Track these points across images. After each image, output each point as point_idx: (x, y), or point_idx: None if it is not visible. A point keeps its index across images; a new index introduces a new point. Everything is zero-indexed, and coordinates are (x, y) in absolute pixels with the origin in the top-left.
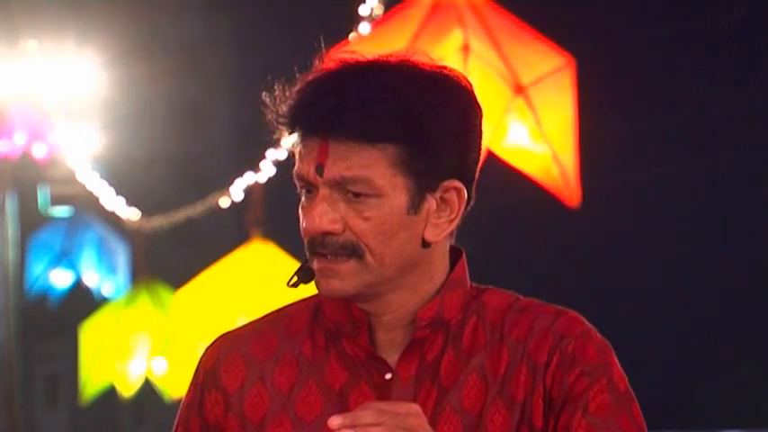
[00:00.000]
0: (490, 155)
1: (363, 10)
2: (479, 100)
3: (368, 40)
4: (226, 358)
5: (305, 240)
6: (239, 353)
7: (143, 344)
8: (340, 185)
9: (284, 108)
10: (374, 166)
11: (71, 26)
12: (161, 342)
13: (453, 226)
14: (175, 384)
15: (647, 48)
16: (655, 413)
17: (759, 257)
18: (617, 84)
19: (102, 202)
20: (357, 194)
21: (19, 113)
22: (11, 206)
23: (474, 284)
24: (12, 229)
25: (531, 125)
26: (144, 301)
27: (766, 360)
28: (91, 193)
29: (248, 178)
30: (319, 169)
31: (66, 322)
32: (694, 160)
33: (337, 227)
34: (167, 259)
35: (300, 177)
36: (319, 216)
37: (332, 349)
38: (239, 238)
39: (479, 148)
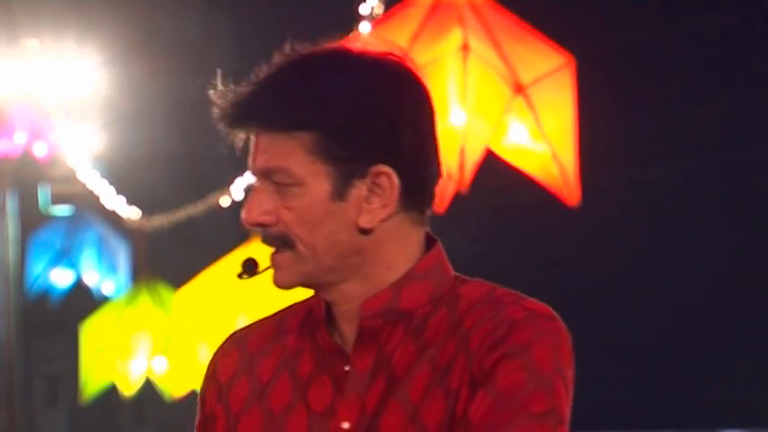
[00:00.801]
0: (490, 154)
1: (364, 9)
2: (475, 103)
3: (368, 40)
4: (226, 351)
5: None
6: (237, 346)
7: (143, 343)
8: (266, 175)
9: (228, 107)
10: (291, 154)
11: (72, 25)
12: (161, 341)
13: (388, 212)
14: (176, 384)
15: (648, 47)
16: (655, 412)
17: (761, 256)
18: (617, 83)
19: (103, 201)
20: (280, 185)
21: (19, 112)
22: (11, 205)
23: (459, 276)
24: (12, 228)
25: (531, 124)
26: (144, 300)
27: (767, 359)
28: (91, 192)
29: (249, 177)
30: (254, 161)
31: (66, 321)
32: (695, 159)
33: (268, 218)
34: (168, 258)
35: (250, 170)
36: (251, 208)
37: (308, 342)
38: (239, 238)
39: (420, 132)
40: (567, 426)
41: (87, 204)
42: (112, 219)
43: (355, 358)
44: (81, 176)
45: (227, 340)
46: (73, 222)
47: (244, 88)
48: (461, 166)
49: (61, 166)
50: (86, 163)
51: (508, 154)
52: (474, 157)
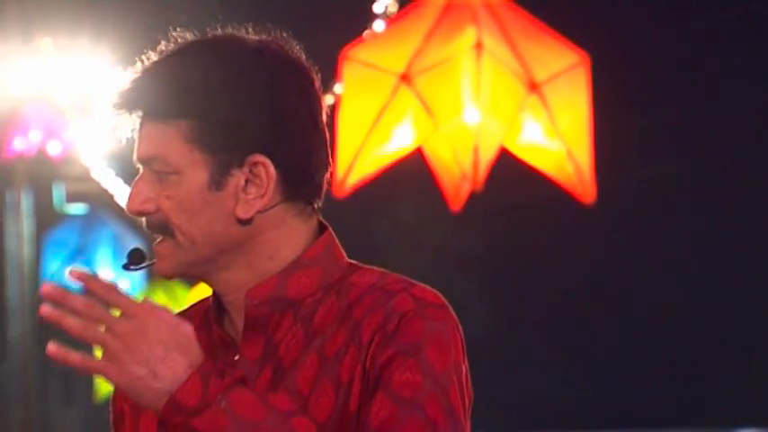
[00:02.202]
0: (505, 152)
1: (378, 7)
2: (489, 101)
3: (382, 38)
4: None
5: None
6: None
7: None
8: (147, 164)
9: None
10: (169, 142)
11: (86, 24)
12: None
13: (264, 202)
14: None
15: (663, 44)
16: (669, 410)
17: None
18: (632, 81)
19: (118, 199)
20: (160, 173)
21: (34, 111)
22: (26, 204)
23: (353, 263)
24: (27, 227)
25: (546, 123)
26: (159, 298)
27: None
28: (106, 191)
29: None
30: (137, 150)
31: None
32: (710, 157)
33: (148, 206)
34: None
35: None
36: (133, 196)
37: (204, 335)
38: None
39: (301, 121)
40: (465, 422)
41: (102, 203)
42: (127, 217)
43: (244, 347)
44: (95, 175)
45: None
46: (87, 221)
47: (131, 76)
48: (475, 164)
49: (75, 164)
50: (101, 161)
51: (523, 152)
52: (488, 155)
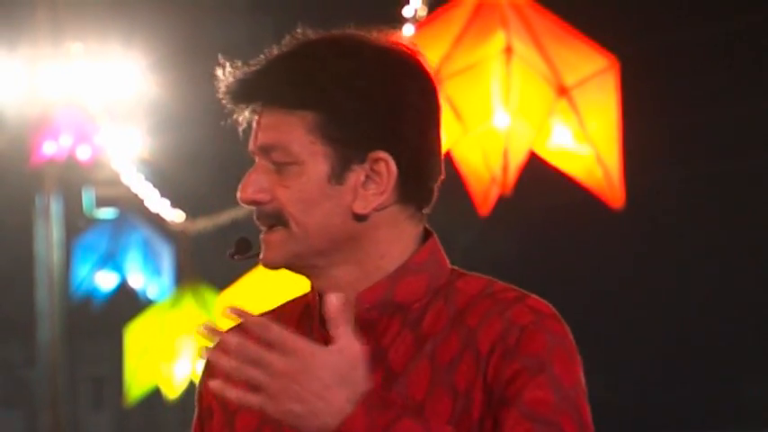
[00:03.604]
0: (534, 157)
1: (407, 12)
2: (519, 105)
3: (411, 42)
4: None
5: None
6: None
7: (188, 346)
8: (266, 153)
9: (233, 84)
10: (292, 132)
11: (116, 28)
12: (206, 344)
13: (382, 199)
14: None
15: (692, 48)
16: (697, 412)
17: None
18: (661, 85)
19: (147, 204)
20: (279, 162)
21: (64, 116)
22: (56, 208)
23: (456, 269)
24: (57, 232)
25: (575, 127)
26: (189, 302)
27: None
28: (136, 195)
29: None
30: (254, 139)
31: (110, 324)
32: (741, 161)
33: (263, 196)
34: (212, 261)
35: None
36: (248, 185)
37: (303, 335)
38: None
39: (422, 124)
40: None
41: (131, 207)
42: (156, 222)
43: None
44: (125, 179)
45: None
46: (117, 225)
47: (251, 67)
48: (505, 168)
49: (106, 169)
50: (131, 166)
51: (552, 156)
52: (517, 159)
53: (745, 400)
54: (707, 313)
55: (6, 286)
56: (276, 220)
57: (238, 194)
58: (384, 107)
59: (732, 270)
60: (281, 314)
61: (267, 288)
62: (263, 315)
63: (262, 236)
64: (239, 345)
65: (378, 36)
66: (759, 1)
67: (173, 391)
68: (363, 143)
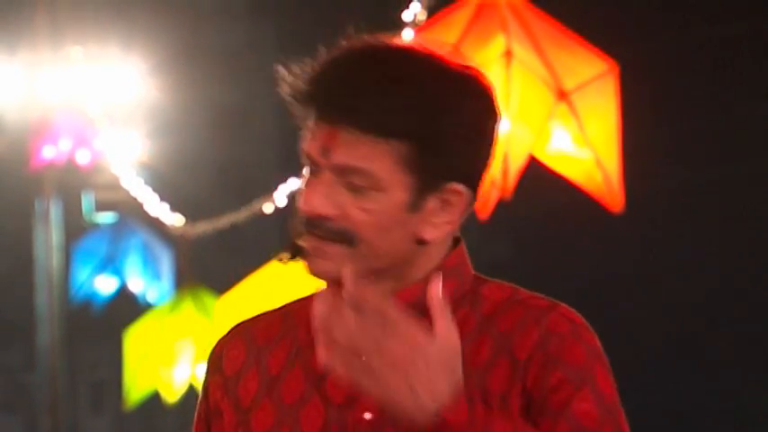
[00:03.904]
0: (533, 161)
1: (407, 16)
2: (518, 110)
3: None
4: (230, 344)
5: (301, 218)
6: (242, 338)
7: (187, 350)
8: (343, 172)
9: (301, 84)
10: (380, 159)
11: (116, 32)
12: (205, 348)
13: (451, 228)
14: None
15: (691, 52)
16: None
17: None
18: (660, 89)
19: (147, 208)
20: (357, 185)
21: (64, 120)
22: (55, 213)
23: (478, 276)
24: (56, 236)
25: (575, 131)
26: (188, 307)
27: None
28: (135, 200)
29: (292, 184)
30: (325, 153)
31: (110, 328)
32: (741, 164)
33: (333, 212)
34: (211, 265)
35: (308, 154)
36: (318, 198)
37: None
38: (283, 244)
39: (490, 154)
40: None
41: (131, 211)
42: (156, 226)
43: None
44: (125, 184)
45: (229, 333)
46: (117, 230)
47: (329, 74)
48: (505, 172)
49: (105, 173)
50: (130, 170)
51: (551, 160)
52: (517, 163)
53: (746, 401)
54: (707, 317)
55: (6, 290)
56: (342, 237)
57: (302, 205)
58: (471, 139)
59: (732, 275)
60: (289, 313)
61: (266, 292)
62: (268, 314)
63: (312, 243)
64: (356, 320)
65: (449, 54)
66: (759, 5)
67: (172, 396)
68: (445, 174)
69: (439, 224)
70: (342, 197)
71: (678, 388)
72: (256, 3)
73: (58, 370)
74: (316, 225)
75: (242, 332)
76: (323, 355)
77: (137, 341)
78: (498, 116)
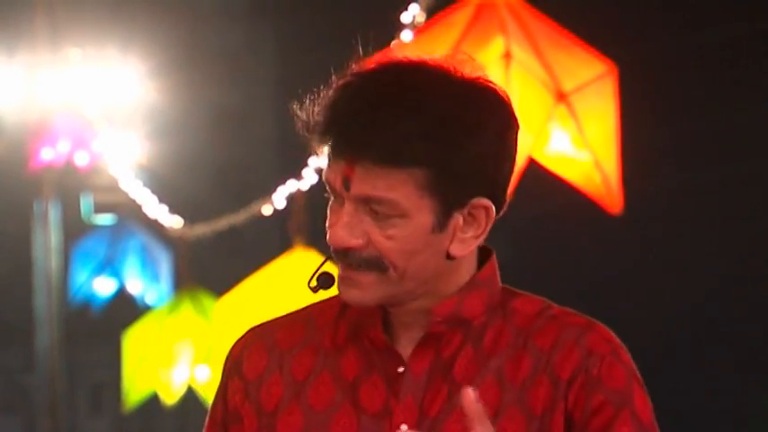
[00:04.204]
0: (532, 162)
1: (406, 17)
2: (518, 111)
3: (410, 48)
4: (250, 347)
5: (330, 249)
6: (264, 342)
7: (186, 351)
8: (365, 202)
9: (316, 118)
10: (400, 188)
11: (114, 34)
12: (204, 350)
13: (479, 242)
14: None
15: (690, 53)
16: (697, 414)
17: None
18: (660, 90)
19: (145, 210)
20: (381, 213)
21: (62, 122)
22: (54, 214)
23: (507, 287)
24: (55, 238)
25: (574, 132)
26: (187, 308)
27: None
28: (134, 201)
29: (291, 186)
30: (346, 183)
31: (109, 330)
32: (740, 166)
33: (360, 242)
34: (210, 267)
35: (329, 184)
36: (342, 230)
37: (351, 341)
38: (282, 246)
39: (513, 164)
40: None
41: (130, 213)
42: (155, 227)
43: (412, 360)
44: (123, 185)
45: (248, 336)
46: (115, 231)
47: (342, 107)
48: None
49: (104, 175)
50: (129, 172)
51: (550, 162)
52: (516, 165)
53: (746, 401)
54: (706, 317)
55: (5, 292)
56: (372, 265)
57: (330, 238)
58: (493, 158)
59: (732, 276)
60: (311, 315)
61: (265, 294)
62: (288, 317)
63: (344, 272)
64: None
65: (466, 65)
66: (759, 7)
67: (171, 397)
68: (468, 192)
69: (466, 239)
70: (366, 226)
71: (678, 388)
72: (255, 4)
73: (58, 371)
74: (345, 255)
75: (262, 335)
76: None
77: (136, 343)
78: (517, 125)
